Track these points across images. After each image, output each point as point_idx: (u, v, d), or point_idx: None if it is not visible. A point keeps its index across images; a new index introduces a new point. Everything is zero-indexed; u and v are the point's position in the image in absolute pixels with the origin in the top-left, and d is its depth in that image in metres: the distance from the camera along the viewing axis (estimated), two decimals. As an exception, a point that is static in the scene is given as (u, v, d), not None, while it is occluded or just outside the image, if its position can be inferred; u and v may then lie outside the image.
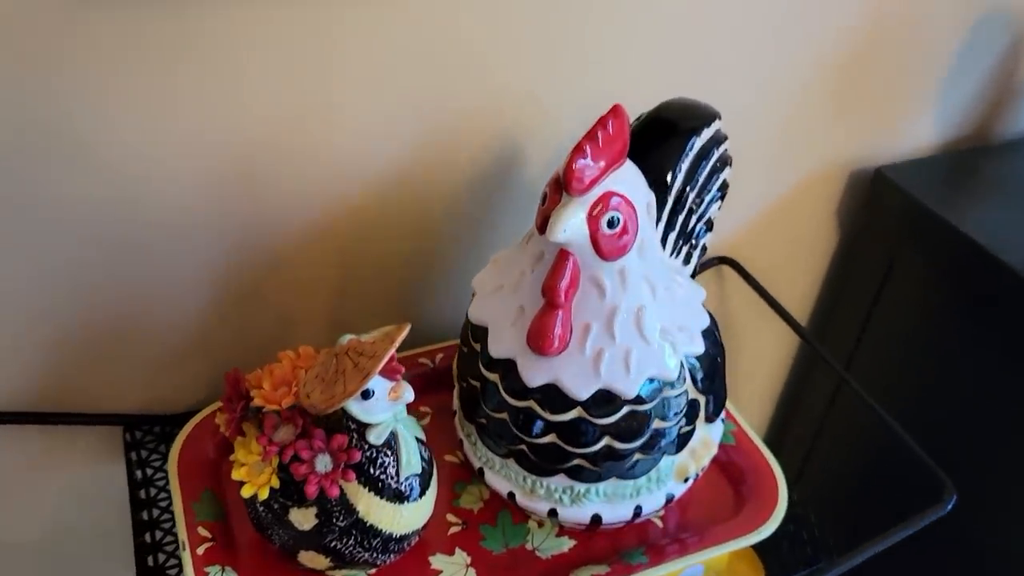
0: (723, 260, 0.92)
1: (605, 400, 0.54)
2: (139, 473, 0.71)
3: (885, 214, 0.95)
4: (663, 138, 0.60)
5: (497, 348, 0.56)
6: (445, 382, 0.71)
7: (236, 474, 0.56)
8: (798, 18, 0.80)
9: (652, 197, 0.55)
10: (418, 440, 0.58)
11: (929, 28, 0.88)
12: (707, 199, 0.62)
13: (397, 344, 0.52)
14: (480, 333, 0.59)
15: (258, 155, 0.65)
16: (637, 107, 0.76)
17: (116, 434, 0.74)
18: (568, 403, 0.55)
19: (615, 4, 0.70)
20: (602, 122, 0.50)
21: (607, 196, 0.51)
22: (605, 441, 0.56)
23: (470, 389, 0.60)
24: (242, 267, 0.70)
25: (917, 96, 0.94)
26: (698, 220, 0.62)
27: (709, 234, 0.64)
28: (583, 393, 0.54)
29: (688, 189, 0.60)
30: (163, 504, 0.69)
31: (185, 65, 0.58)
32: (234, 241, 0.68)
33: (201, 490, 0.64)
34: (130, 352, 0.71)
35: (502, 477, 0.62)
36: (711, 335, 0.59)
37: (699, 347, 0.57)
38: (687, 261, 0.63)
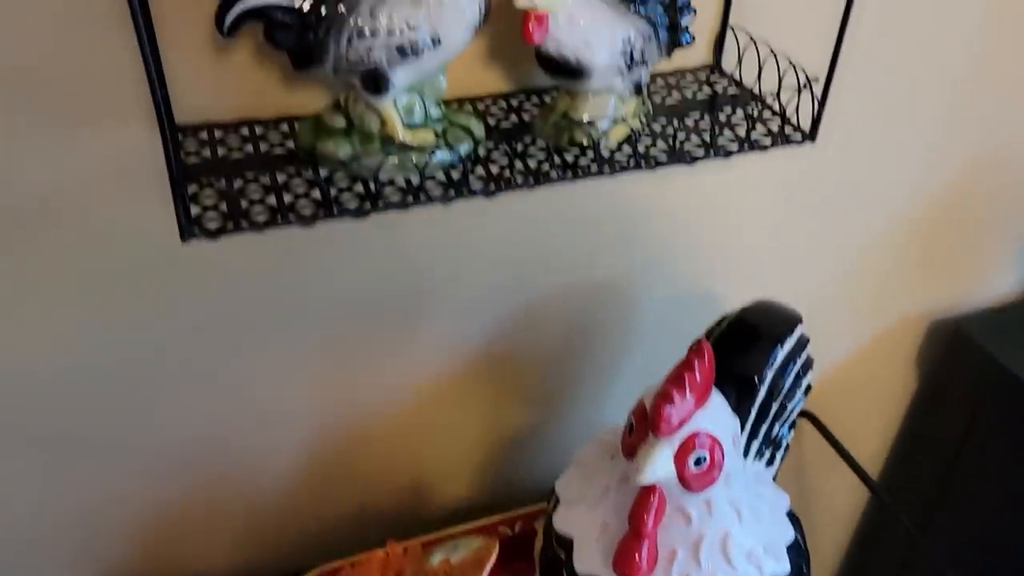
0: (801, 413, 0.91)
1: (691, 625, 0.55)
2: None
3: (965, 370, 0.93)
4: (747, 345, 0.61)
5: (582, 565, 0.57)
6: (524, 551, 0.72)
7: None
8: (877, 181, 0.80)
9: (737, 427, 0.56)
10: (503, 648, 0.59)
11: (1011, 182, 0.88)
12: (791, 405, 0.62)
13: (487, 571, 0.54)
14: (564, 542, 0.59)
15: (355, 331, 0.68)
16: (716, 286, 0.78)
17: (208, 597, 0.77)
18: (654, 626, 0.55)
19: (683, 196, 0.72)
20: (687, 364, 0.51)
21: (694, 436, 0.51)
22: (691, 661, 0.56)
23: (555, 594, 0.61)
24: (331, 440, 0.73)
25: (1000, 248, 0.93)
26: (782, 424, 0.62)
27: (792, 432, 0.65)
28: (669, 619, 0.54)
29: (772, 400, 0.60)
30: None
31: (296, 264, 0.63)
32: (322, 420, 0.71)
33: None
34: (223, 522, 0.74)
35: None
36: (796, 547, 0.59)
37: (785, 567, 0.57)
38: (770, 463, 0.64)
